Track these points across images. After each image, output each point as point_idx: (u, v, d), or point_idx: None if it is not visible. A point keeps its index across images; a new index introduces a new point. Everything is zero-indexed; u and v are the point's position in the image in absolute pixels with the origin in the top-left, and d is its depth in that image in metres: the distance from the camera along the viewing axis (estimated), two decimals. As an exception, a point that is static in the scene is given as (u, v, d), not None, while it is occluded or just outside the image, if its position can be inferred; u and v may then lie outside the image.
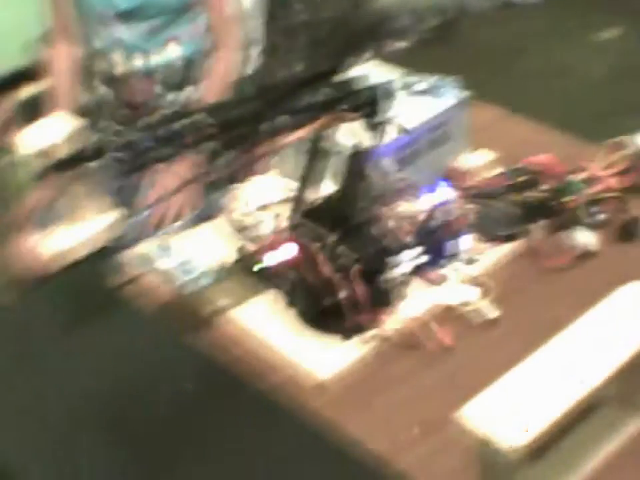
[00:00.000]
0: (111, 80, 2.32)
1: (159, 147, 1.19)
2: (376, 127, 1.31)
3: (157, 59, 2.25)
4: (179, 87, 2.28)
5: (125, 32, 2.24)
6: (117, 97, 2.33)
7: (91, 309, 1.43)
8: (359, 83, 1.31)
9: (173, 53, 2.25)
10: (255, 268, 1.43)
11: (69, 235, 1.26)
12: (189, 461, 1.21)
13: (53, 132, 1.19)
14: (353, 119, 1.30)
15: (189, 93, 2.28)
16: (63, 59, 2.35)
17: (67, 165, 1.17)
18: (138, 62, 2.25)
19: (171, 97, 2.26)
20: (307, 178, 1.39)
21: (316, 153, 1.37)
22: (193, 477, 1.19)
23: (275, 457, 1.21)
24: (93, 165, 1.17)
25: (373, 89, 1.30)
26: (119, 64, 2.27)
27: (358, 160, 1.33)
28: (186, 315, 1.49)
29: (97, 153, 1.16)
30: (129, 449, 1.25)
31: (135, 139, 1.17)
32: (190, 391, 1.33)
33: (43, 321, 1.46)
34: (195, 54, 2.27)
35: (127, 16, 2.22)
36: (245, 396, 1.30)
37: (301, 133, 1.29)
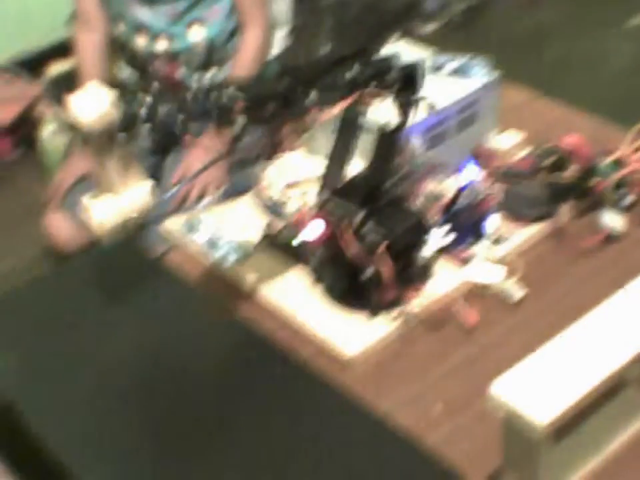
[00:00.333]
0: (135, 63, 2.33)
1: (189, 122, 1.20)
2: (406, 105, 1.31)
3: (181, 41, 2.25)
4: (203, 68, 2.29)
5: (148, 15, 2.24)
6: (142, 79, 2.34)
7: (127, 280, 1.44)
8: (389, 61, 1.31)
9: (196, 35, 2.25)
10: (294, 242, 1.44)
11: (104, 206, 1.26)
12: (221, 429, 1.22)
13: (90, 103, 1.20)
14: (383, 97, 1.30)
15: (213, 74, 2.29)
16: (86, 44, 2.36)
17: (98, 135, 1.17)
18: (162, 45, 2.25)
19: (195, 78, 2.27)
20: (336, 156, 1.39)
21: (345, 131, 1.38)
22: (225, 445, 1.20)
23: (310, 426, 1.22)
24: (124, 135, 1.18)
25: (403, 67, 1.30)
26: (143, 47, 2.28)
27: (388, 138, 1.33)
28: (215, 290, 1.50)
29: (129, 124, 1.17)
30: (162, 417, 1.26)
31: (165, 113, 1.18)
32: (229, 361, 1.34)
33: (79, 290, 1.47)
34: (218, 36, 2.27)
35: (150, 0, 2.23)
36: (280, 366, 1.30)
37: (331, 111, 1.29)
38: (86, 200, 1.26)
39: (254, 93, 1.21)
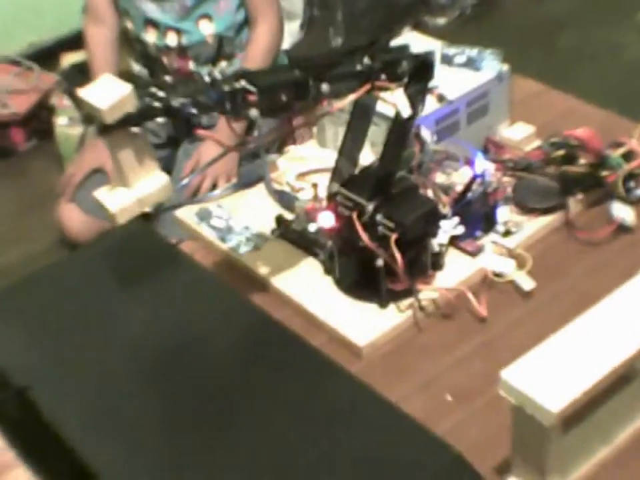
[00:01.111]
0: (146, 58, 2.35)
1: (200, 114, 1.21)
2: (417, 96, 1.31)
3: (191, 36, 2.26)
4: (212, 62, 2.30)
5: (157, 11, 2.25)
6: (152, 73, 2.36)
7: (142, 263, 1.44)
8: (400, 52, 1.32)
9: (205, 30, 2.26)
10: (310, 228, 1.46)
11: (118, 198, 1.27)
12: (236, 411, 1.23)
13: (105, 93, 1.20)
14: (393, 89, 1.31)
15: (222, 68, 2.30)
16: (97, 39, 2.38)
17: (113, 127, 1.18)
18: (172, 40, 2.27)
19: (205, 71, 2.28)
20: (347, 147, 1.40)
21: (356, 122, 1.38)
22: (240, 427, 1.21)
23: (326, 410, 1.23)
24: (136, 129, 1.19)
25: (413, 58, 1.31)
26: (153, 42, 2.29)
27: (399, 129, 1.33)
28: (227, 280, 1.51)
29: (142, 116, 1.18)
30: (178, 401, 1.27)
31: (177, 105, 1.19)
32: (242, 343, 1.35)
33: (94, 275, 1.48)
34: (226, 30, 2.28)
35: None
36: (296, 351, 1.31)
37: (341, 102, 1.30)
38: (100, 192, 1.27)
39: (265, 84, 1.22)
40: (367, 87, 1.29)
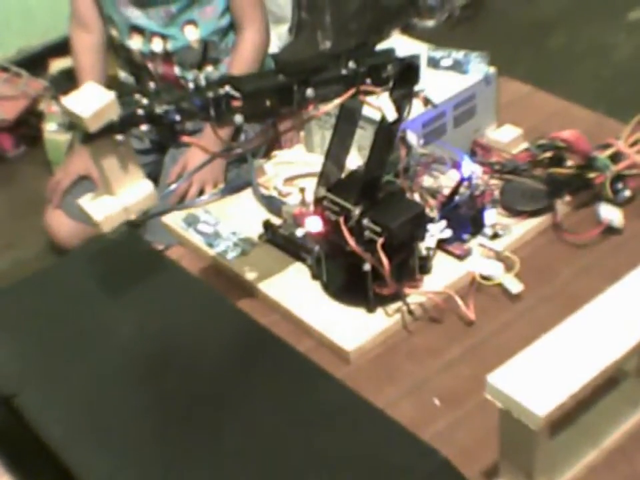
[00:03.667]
0: (132, 63, 2.34)
1: (184, 120, 1.21)
2: (402, 100, 1.31)
3: (176, 41, 2.26)
4: (198, 67, 2.30)
5: (141, 18, 2.25)
6: (138, 79, 2.35)
7: (130, 269, 1.44)
8: (384, 56, 1.31)
9: (190, 36, 2.26)
10: (297, 233, 1.47)
11: (103, 205, 1.26)
12: (226, 416, 1.23)
13: (88, 101, 1.20)
14: (378, 93, 1.30)
15: (208, 73, 2.29)
16: (83, 45, 2.37)
17: (97, 136, 1.18)
18: (156, 46, 2.26)
19: (190, 76, 2.28)
20: (333, 151, 1.40)
21: (342, 127, 1.38)
22: (228, 432, 1.21)
23: (312, 415, 1.22)
24: (120, 137, 1.19)
25: (398, 62, 1.30)
26: (138, 48, 2.28)
27: (385, 133, 1.33)
28: (214, 285, 1.51)
29: (125, 124, 1.17)
30: (165, 405, 1.26)
31: (160, 112, 1.18)
32: (229, 348, 1.34)
33: (82, 281, 1.47)
34: (212, 35, 2.27)
35: (143, 3, 2.23)
36: (283, 357, 1.31)
37: (326, 107, 1.29)
38: (84, 201, 1.26)
39: (250, 89, 1.22)
40: (352, 91, 1.29)
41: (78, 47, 2.38)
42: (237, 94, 1.20)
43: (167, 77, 2.29)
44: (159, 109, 1.18)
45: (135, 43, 2.28)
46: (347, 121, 1.38)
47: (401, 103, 1.32)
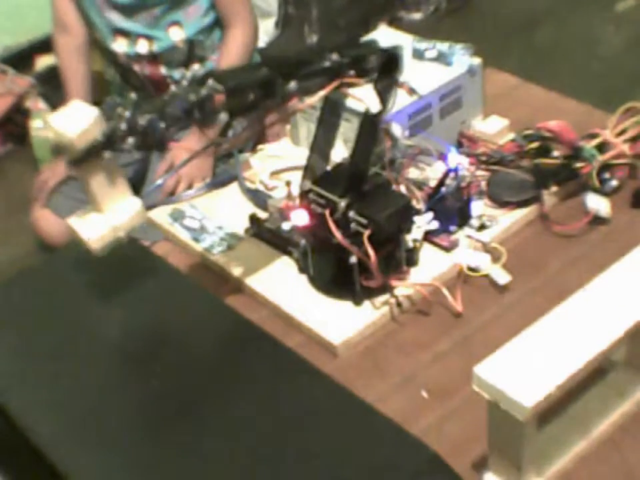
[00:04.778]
0: (116, 66, 2.33)
1: (170, 127, 1.20)
2: (386, 91, 1.30)
3: (161, 42, 2.25)
4: (185, 65, 2.29)
5: (126, 22, 2.24)
6: (124, 79, 2.34)
7: (117, 267, 1.43)
8: (367, 48, 1.31)
9: (175, 36, 2.25)
10: (284, 227, 1.46)
11: (91, 224, 1.26)
12: (213, 412, 1.23)
13: (72, 120, 1.19)
14: (361, 85, 1.30)
15: (195, 70, 2.28)
16: (66, 48, 2.36)
17: (85, 157, 1.18)
18: (142, 48, 2.25)
19: (177, 75, 2.27)
20: (318, 144, 1.39)
21: (327, 119, 1.37)
22: (216, 429, 1.21)
23: (300, 411, 1.22)
24: (107, 155, 1.18)
25: (381, 53, 1.30)
26: (123, 50, 2.27)
27: (369, 125, 1.32)
28: (201, 280, 1.50)
29: (111, 142, 1.17)
30: (154, 403, 1.26)
31: (145, 124, 1.17)
32: (216, 345, 1.34)
33: (68, 280, 1.47)
34: (197, 34, 2.26)
35: (126, 8, 2.22)
36: (270, 352, 1.31)
37: (310, 100, 1.29)
38: (73, 220, 1.27)
39: (233, 84, 1.21)
40: (336, 82, 1.28)
41: (60, 50, 2.37)
42: (220, 87, 1.19)
43: (153, 77, 2.28)
44: (142, 120, 1.17)
45: (120, 46, 2.27)
46: (331, 113, 1.37)
47: (384, 94, 1.32)
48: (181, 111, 1.19)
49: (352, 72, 1.28)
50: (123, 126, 1.16)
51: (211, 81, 1.20)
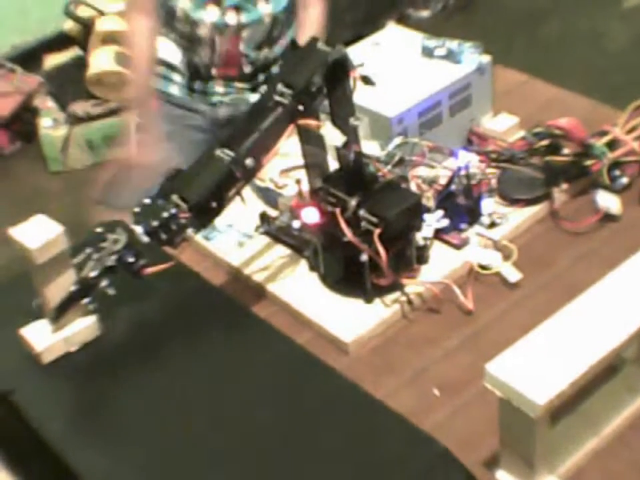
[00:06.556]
0: (187, 41, 2.29)
1: (139, 258, 1.23)
2: (345, 123, 1.33)
3: (249, 15, 2.24)
4: (258, 47, 2.28)
5: None
6: (189, 56, 2.31)
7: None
8: (308, 68, 1.31)
9: (263, 9, 2.24)
10: (294, 225, 1.47)
11: (44, 335, 1.34)
12: (226, 408, 1.23)
13: (36, 233, 1.29)
14: (316, 126, 1.33)
15: (265, 53, 2.28)
16: (141, 30, 2.30)
17: (65, 309, 1.27)
18: (230, 19, 2.23)
19: (253, 55, 2.26)
20: (309, 164, 1.40)
21: (308, 149, 1.40)
22: (228, 424, 1.21)
23: (312, 407, 1.23)
24: (85, 300, 1.24)
25: (322, 69, 1.30)
26: (210, 22, 2.24)
27: (345, 163, 1.35)
28: (211, 278, 1.50)
29: (84, 289, 1.22)
30: (164, 398, 1.27)
31: (113, 262, 1.21)
32: (227, 341, 1.35)
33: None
34: (281, 11, 2.25)
35: None
36: (281, 349, 1.31)
37: (273, 152, 1.31)
38: (27, 330, 1.35)
39: (195, 199, 1.23)
40: (290, 130, 1.30)
41: (136, 31, 2.31)
42: (183, 205, 1.22)
43: (230, 52, 2.26)
44: (109, 261, 1.20)
45: (209, 15, 2.24)
46: (309, 141, 1.39)
47: (344, 125, 1.33)
48: (147, 234, 1.21)
49: (300, 107, 1.29)
50: (94, 273, 1.20)
51: (174, 196, 1.22)
